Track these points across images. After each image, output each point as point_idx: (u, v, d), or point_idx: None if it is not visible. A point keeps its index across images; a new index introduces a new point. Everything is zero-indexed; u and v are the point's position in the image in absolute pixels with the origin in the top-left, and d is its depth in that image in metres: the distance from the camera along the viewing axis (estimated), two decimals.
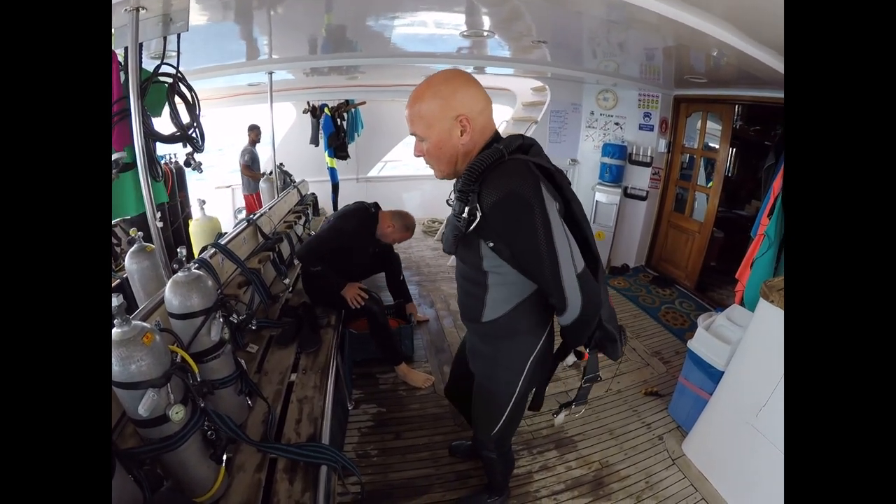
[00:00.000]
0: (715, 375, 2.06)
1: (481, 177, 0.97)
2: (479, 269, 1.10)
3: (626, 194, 4.52)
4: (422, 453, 2.10)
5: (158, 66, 1.40)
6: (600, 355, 1.21)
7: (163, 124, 1.49)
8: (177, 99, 1.42)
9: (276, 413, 1.41)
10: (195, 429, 1.02)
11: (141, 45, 1.24)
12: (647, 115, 4.35)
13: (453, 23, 2.50)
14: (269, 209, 2.95)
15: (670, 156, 4.40)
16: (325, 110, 5.03)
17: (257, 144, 5.04)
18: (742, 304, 2.48)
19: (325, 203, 5.01)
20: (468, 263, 1.14)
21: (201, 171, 1.58)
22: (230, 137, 6.25)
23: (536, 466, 2.06)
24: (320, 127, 5.09)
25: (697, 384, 2.20)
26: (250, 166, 5.00)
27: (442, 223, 5.41)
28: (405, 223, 2.41)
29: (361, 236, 2.33)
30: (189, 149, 1.50)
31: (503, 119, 6.13)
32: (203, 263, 1.65)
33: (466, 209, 0.98)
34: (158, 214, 1.40)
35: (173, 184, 3.61)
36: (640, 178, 4.46)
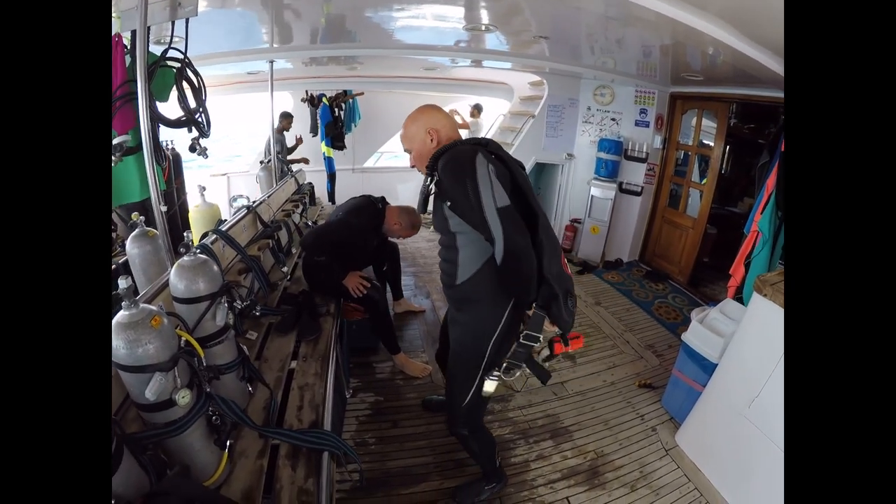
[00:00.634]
0: (708, 368, 2.10)
1: (442, 156, 1.32)
2: (448, 233, 1.39)
3: (622, 189, 4.57)
4: (419, 442, 2.12)
5: (166, 50, 1.38)
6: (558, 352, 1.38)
7: (164, 110, 1.47)
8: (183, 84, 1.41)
9: (278, 400, 1.41)
10: (200, 413, 1.02)
11: (149, 28, 1.22)
12: (643, 111, 4.38)
13: (454, 16, 2.49)
14: (268, 197, 2.93)
15: (665, 152, 4.45)
16: (324, 99, 4.99)
17: (286, 132, 4.89)
18: (738, 298, 2.52)
19: (321, 194, 4.98)
20: (441, 229, 1.42)
21: (206, 157, 1.57)
22: (226, 126, 6.17)
23: (533, 455, 2.09)
24: (318, 116, 5.05)
25: (691, 376, 2.24)
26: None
27: None
28: (412, 221, 2.42)
29: (367, 231, 2.34)
30: (194, 134, 1.49)
31: (500, 113, 6.13)
32: (205, 249, 1.64)
33: (430, 177, 1.35)
34: (162, 199, 1.39)
35: (170, 171, 3.56)
36: (635, 174, 4.51)
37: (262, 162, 3.80)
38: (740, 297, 2.54)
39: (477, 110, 6.17)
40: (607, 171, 4.48)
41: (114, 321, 0.89)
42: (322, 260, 2.18)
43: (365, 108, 5.78)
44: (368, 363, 2.68)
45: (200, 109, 1.50)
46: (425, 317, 3.33)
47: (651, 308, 3.78)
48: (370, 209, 2.34)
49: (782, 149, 2.47)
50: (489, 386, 1.40)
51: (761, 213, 2.53)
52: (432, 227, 1.53)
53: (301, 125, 5.20)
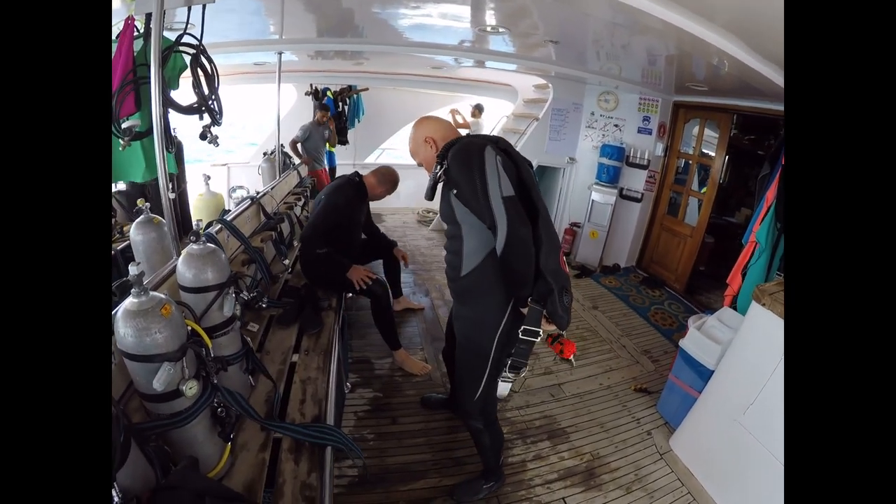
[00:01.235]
0: (705, 374, 2.12)
1: (452, 147, 1.39)
2: (454, 223, 1.40)
3: (622, 195, 4.59)
4: (418, 439, 2.11)
5: (181, 35, 1.36)
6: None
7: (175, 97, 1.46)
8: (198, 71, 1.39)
9: (281, 393, 1.40)
10: (206, 405, 1.01)
11: (164, 12, 1.20)
12: (646, 118, 4.41)
13: (461, 16, 2.50)
14: (272, 189, 2.92)
15: (666, 160, 4.47)
16: (329, 93, 4.96)
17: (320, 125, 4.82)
18: (734, 307, 2.54)
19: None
20: (447, 219, 1.43)
21: (217, 145, 1.56)
22: (230, 115, 6.13)
23: (530, 455, 2.10)
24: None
25: (687, 382, 2.26)
26: (303, 143, 4.69)
27: (436, 214, 5.41)
28: (390, 178, 2.54)
29: (354, 206, 2.44)
30: (206, 121, 1.47)
31: (503, 114, 6.13)
32: (211, 238, 1.62)
33: (439, 166, 1.39)
34: (170, 185, 1.37)
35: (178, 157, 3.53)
36: (636, 180, 4.53)
37: (265, 153, 3.78)
38: (735, 306, 2.57)
39: (478, 110, 6.15)
40: (608, 176, 4.50)
41: (122, 308, 0.87)
42: (324, 252, 2.18)
43: (369, 105, 5.76)
44: (367, 359, 2.67)
45: (213, 97, 1.48)
46: (424, 314, 3.33)
47: (647, 314, 3.80)
48: (349, 184, 2.44)
49: (783, 161, 2.50)
50: (503, 388, 1.41)
51: (760, 224, 2.56)
52: (433, 224, 1.55)
53: (304, 118, 5.17)
